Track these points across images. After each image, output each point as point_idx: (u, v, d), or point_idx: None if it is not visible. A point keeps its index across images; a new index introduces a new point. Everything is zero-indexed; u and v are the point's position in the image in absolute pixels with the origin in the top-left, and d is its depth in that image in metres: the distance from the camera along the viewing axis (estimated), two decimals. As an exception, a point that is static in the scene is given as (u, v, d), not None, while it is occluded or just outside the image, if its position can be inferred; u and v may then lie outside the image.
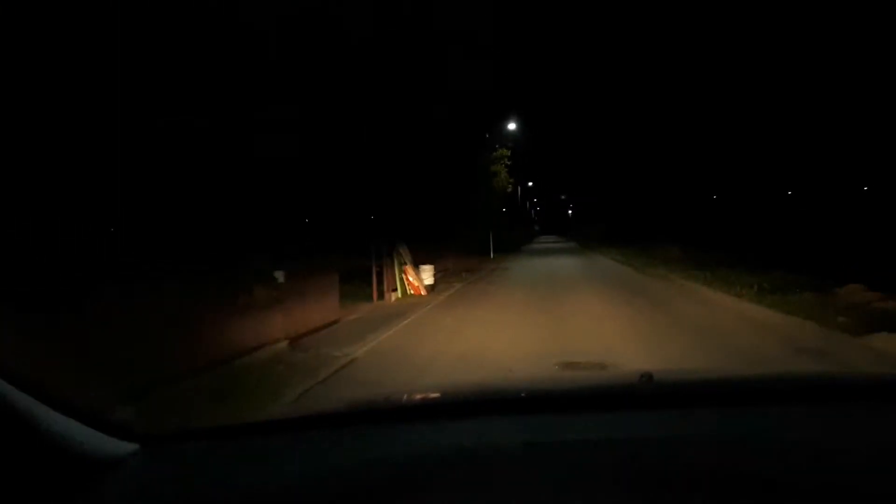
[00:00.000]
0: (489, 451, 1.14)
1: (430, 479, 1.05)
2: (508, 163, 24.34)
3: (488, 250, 28.81)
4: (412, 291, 13.04)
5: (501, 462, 1.10)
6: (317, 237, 19.84)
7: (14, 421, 0.99)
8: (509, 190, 25.67)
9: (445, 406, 1.55)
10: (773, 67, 36.91)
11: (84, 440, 1.11)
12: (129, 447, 1.21)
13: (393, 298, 12.51)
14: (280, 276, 8.14)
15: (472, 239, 26.62)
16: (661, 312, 9.83)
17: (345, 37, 16.27)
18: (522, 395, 1.64)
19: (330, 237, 19.43)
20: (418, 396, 1.83)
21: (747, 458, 1.07)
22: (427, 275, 13.46)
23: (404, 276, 13.02)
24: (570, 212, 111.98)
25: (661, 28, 49.47)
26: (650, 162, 49.53)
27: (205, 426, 1.52)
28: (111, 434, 1.19)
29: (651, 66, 45.19)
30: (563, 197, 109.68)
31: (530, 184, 63.25)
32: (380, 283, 12.36)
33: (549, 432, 1.21)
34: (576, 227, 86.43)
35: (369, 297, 12.10)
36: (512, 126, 26.80)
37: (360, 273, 12.73)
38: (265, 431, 1.42)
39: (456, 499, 0.97)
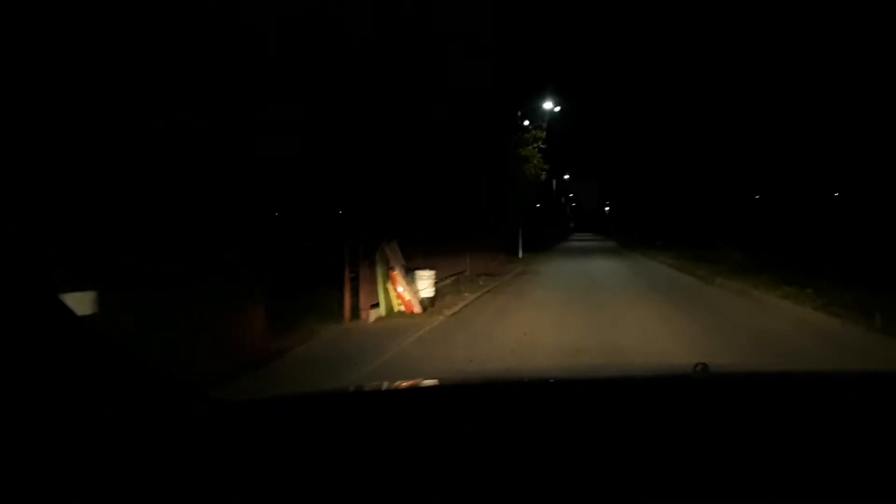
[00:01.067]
0: (543, 435, 1.17)
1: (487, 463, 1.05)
2: (543, 146, 20.54)
3: (516, 249, 25.10)
4: (402, 307, 9.46)
5: (552, 446, 1.12)
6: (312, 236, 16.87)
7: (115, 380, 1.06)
8: (543, 178, 21.85)
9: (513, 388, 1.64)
10: (817, 64, 32.38)
11: (168, 403, 1.16)
12: (206, 412, 1.25)
13: (372, 317, 8.99)
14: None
15: (497, 236, 22.97)
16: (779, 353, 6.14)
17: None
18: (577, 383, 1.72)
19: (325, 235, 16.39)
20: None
21: (800, 457, 1.06)
22: (425, 283, 9.84)
23: (390, 286, 9.44)
24: (606, 209, 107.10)
25: (709, 20, 44.58)
26: (694, 160, 45.11)
27: (276, 394, 1.55)
28: (191, 398, 1.25)
29: (691, 62, 40.77)
30: (606, 204, 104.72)
31: (566, 176, 58.96)
32: (354, 295, 8.84)
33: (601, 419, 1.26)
34: (613, 226, 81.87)
35: (340, 315, 8.62)
36: (548, 105, 22.95)
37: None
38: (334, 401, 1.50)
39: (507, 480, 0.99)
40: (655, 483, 0.99)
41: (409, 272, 9.68)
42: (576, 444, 1.14)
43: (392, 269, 9.43)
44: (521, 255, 24.70)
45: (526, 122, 21.15)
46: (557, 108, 21.17)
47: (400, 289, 9.45)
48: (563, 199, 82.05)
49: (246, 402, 1.40)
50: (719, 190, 45.52)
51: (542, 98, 21.05)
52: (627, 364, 3.50)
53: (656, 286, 13.78)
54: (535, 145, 20.46)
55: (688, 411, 1.28)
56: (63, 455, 0.90)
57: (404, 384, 1.75)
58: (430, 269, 10.00)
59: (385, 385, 1.81)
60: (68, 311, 1.05)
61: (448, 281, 13.53)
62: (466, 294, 11.78)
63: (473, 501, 0.98)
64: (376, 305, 9.28)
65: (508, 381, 1.83)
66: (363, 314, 8.90)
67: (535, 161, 20.85)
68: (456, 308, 10.14)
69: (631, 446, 1.11)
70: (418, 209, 15.08)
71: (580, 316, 9.23)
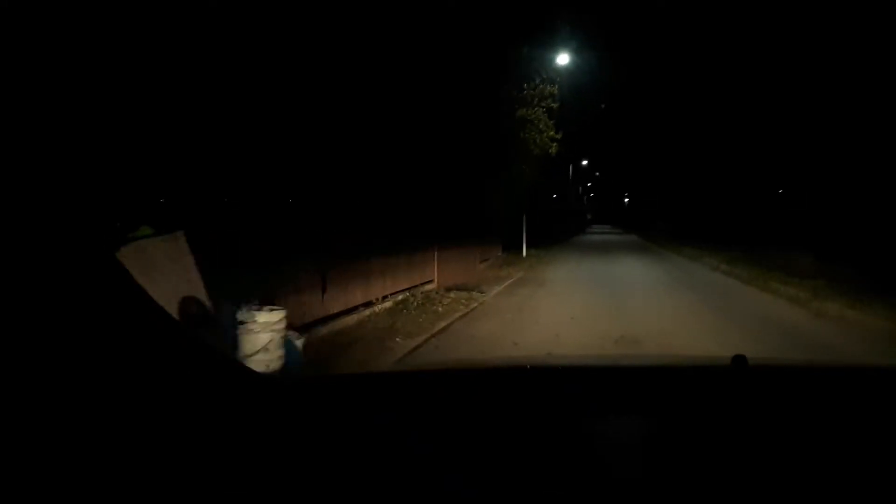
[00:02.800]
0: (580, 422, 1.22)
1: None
2: (554, 105, 15.01)
3: (520, 243, 19.67)
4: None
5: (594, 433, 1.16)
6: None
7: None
8: (553, 152, 16.23)
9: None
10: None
11: (234, 379, 1.22)
12: (273, 389, 1.35)
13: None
14: None
15: (491, 227, 17.63)
16: None
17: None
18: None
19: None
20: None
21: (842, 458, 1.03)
22: (262, 337, 4.47)
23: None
24: (626, 200, 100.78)
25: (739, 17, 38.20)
26: (733, 145, 39.23)
27: (339, 373, 2.03)
28: (255, 376, 1.33)
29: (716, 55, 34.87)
30: (625, 195, 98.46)
31: (584, 162, 53.15)
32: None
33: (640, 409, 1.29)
34: (633, 218, 75.93)
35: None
36: (563, 59, 17.35)
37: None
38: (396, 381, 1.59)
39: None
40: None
41: (256, 303, 4.35)
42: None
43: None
44: (524, 252, 19.26)
45: (535, 78, 15.59)
46: (566, 61, 15.32)
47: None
48: (580, 189, 76.25)
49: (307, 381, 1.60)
50: (764, 179, 39.65)
51: (555, 45, 15.35)
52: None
53: (745, 321, 8.21)
54: (543, 105, 14.92)
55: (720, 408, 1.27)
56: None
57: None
58: (360, 284, 4.70)
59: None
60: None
61: (388, 303, 8.22)
62: (399, 339, 6.40)
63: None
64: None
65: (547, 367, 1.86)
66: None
67: (543, 126, 15.31)
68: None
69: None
70: (375, 194, 9.83)
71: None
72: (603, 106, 18.97)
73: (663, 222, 47.56)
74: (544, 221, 34.80)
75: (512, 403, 1.32)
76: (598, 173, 60.07)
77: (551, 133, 15.31)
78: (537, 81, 14.90)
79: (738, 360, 1.40)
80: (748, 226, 36.94)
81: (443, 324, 7.31)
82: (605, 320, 7.95)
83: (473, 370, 1.76)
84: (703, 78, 39.39)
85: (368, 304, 7.65)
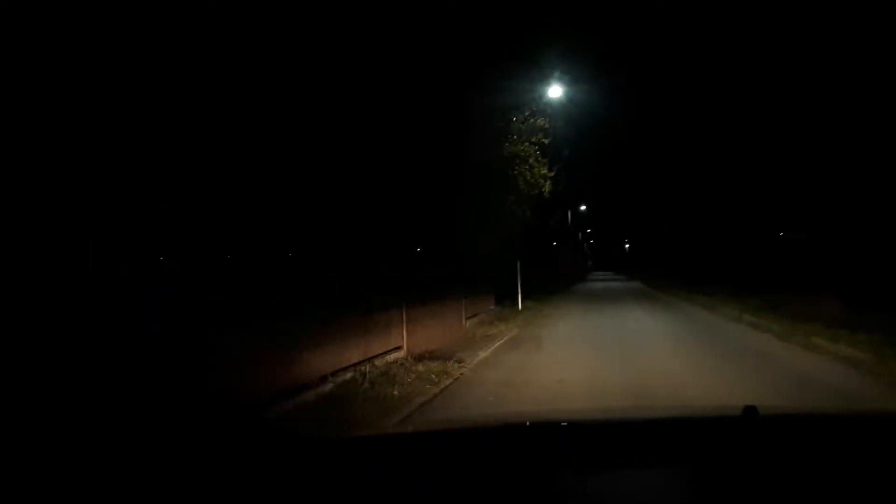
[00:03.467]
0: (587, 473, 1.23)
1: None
2: (545, 140, 13.32)
3: (515, 294, 17.65)
4: None
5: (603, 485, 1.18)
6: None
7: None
8: (546, 190, 14.38)
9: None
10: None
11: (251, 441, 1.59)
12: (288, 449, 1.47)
13: None
14: None
15: (486, 275, 15.69)
16: None
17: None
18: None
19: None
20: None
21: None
22: None
23: None
24: (626, 247, 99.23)
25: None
26: (733, 186, 37.83)
27: (356, 434, 1.83)
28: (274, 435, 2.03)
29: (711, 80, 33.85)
30: (625, 241, 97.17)
31: (583, 207, 51.70)
32: None
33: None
34: (633, 265, 74.08)
35: None
36: (556, 92, 15.73)
37: None
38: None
39: None
40: None
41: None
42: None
43: None
44: (520, 304, 17.21)
45: (525, 112, 13.94)
46: (559, 94, 13.62)
47: None
48: (580, 235, 74.73)
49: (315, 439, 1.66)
50: (767, 220, 38.00)
51: (546, 76, 13.75)
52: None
53: (813, 400, 6.07)
54: (533, 139, 13.23)
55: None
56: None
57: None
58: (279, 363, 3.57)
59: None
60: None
61: (328, 386, 6.14)
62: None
63: None
64: None
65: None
66: None
67: (533, 161, 13.57)
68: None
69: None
70: (322, 246, 8.00)
71: None
72: (566, 153, 17.08)
73: (661, 268, 45.79)
74: (543, 269, 32.87)
75: (518, 463, 1.33)
76: (591, 208, 58.47)
77: (543, 171, 13.55)
78: (526, 114, 13.25)
79: (749, 410, 1.41)
80: (755, 269, 35.07)
81: (394, 419, 5.22)
82: (619, 399, 5.89)
83: (476, 429, 1.73)
84: (702, 112, 38.23)
85: (295, 391, 5.58)
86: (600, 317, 16.00)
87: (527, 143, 12.95)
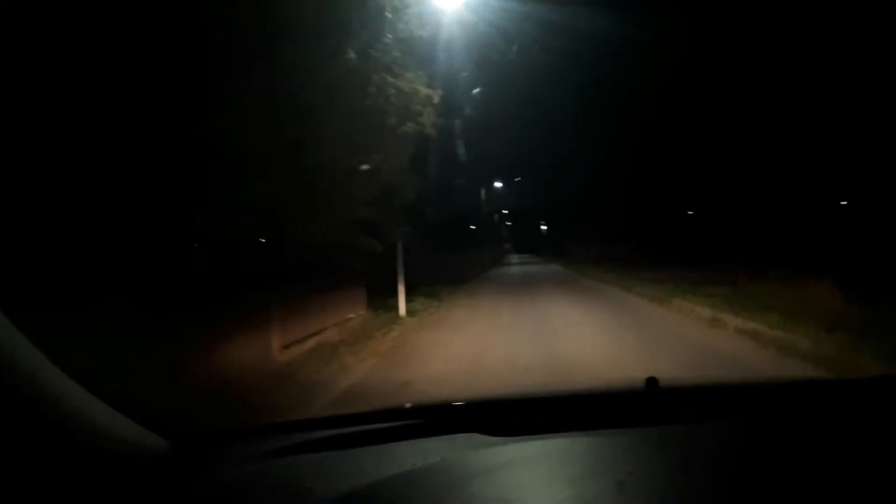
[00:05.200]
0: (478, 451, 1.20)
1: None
2: (421, 34, 7.72)
3: (394, 286, 12.25)
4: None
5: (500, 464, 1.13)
6: None
7: (52, 410, 1.03)
8: (426, 123, 8.79)
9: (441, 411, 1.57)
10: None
11: (121, 433, 1.16)
12: (163, 442, 1.26)
13: None
14: None
15: (342, 264, 10.23)
16: None
17: None
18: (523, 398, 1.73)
19: None
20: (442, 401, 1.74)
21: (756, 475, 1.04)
22: None
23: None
24: (543, 228, 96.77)
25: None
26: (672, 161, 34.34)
27: (235, 425, 1.53)
28: (149, 428, 1.24)
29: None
30: (542, 224, 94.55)
31: (498, 184, 47.12)
32: None
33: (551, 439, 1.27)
34: (551, 246, 71.07)
35: None
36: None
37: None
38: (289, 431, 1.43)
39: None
40: None
41: None
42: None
43: None
44: (402, 307, 11.75)
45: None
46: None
47: None
48: (495, 216, 70.64)
49: (199, 433, 1.37)
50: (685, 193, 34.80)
51: None
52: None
53: None
54: (399, 30, 7.63)
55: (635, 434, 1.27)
56: None
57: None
58: None
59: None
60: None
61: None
62: None
63: None
64: None
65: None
66: None
67: (408, 89, 8.04)
68: None
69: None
70: None
71: None
72: (476, 91, 11.85)
73: (585, 248, 42.23)
74: (450, 254, 27.72)
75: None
76: (518, 179, 54.33)
77: (422, 89, 8.03)
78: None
79: (651, 381, 1.49)
80: (676, 242, 31.65)
81: None
82: None
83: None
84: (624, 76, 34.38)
85: None
86: (518, 318, 10.88)
87: (388, 39, 7.37)
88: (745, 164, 30.15)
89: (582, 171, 45.02)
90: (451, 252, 29.54)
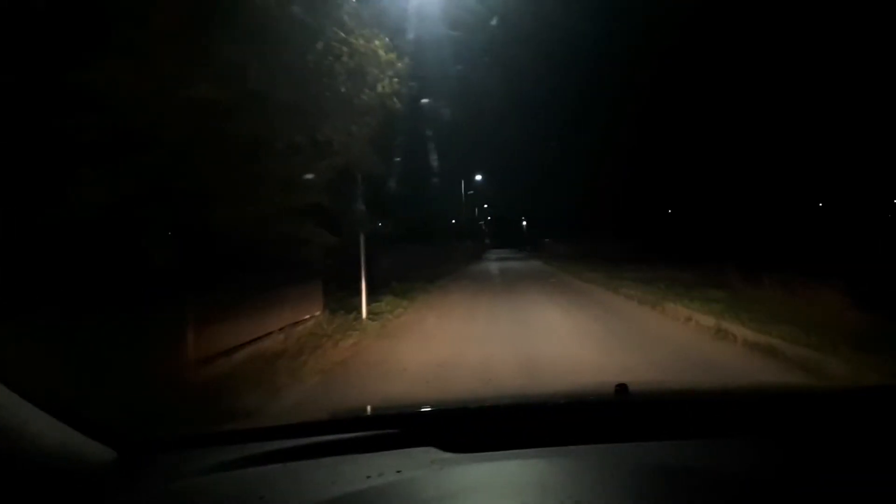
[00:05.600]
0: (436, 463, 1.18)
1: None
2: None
3: (372, 283, 10.89)
4: None
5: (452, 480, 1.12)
6: None
7: None
8: (386, 89, 7.47)
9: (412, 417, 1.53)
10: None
11: (65, 442, 1.14)
12: (109, 452, 1.25)
13: None
14: None
15: (302, 257, 8.84)
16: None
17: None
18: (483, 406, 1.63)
19: None
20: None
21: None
22: None
23: None
24: (523, 223, 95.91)
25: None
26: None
27: (183, 433, 1.50)
28: (94, 437, 1.22)
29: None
30: (523, 219, 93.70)
31: (478, 177, 45.85)
32: None
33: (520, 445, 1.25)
34: (531, 241, 70.22)
35: None
36: None
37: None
38: (241, 440, 1.39)
39: None
40: None
41: None
42: None
43: None
44: (363, 310, 10.33)
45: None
46: None
47: None
48: (475, 210, 69.46)
49: (146, 442, 1.35)
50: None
51: None
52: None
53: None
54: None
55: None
56: None
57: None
58: None
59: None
60: None
61: None
62: None
63: None
64: None
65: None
66: None
67: (365, 50, 6.63)
68: None
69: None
70: None
71: None
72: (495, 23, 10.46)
73: (565, 244, 41.21)
74: (425, 247, 26.42)
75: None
76: (490, 182, 53.26)
77: (383, 53, 6.60)
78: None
79: (621, 388, 1.49)
80: (659, 240, 30.61)
81: None
82: None
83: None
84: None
85: None
86: (494, 326, 9.56)
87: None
88: (732, 164, 29.33)
89: (565, 168, 43.99)
90: (429, 246, 28.22)
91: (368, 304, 10.90)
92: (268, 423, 2.09)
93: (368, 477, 1.12)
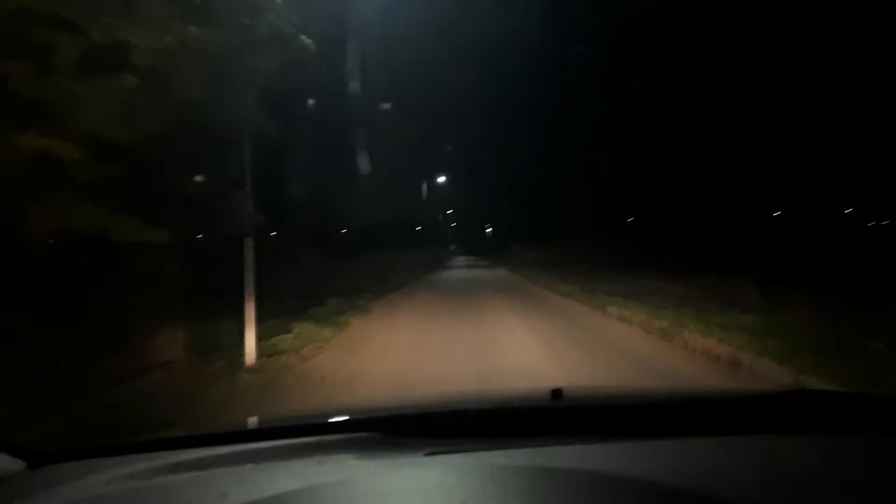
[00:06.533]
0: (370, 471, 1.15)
1: None
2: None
3: (278, 304, 7.45)
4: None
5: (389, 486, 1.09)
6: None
7: None
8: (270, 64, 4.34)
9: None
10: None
11: None
12: (17, 464, 1.22)
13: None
14: None
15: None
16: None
17: None
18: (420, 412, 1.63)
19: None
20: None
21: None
22: None
23: None
24: (488, 230, 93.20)
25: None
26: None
27: (95, 444, 1.45)
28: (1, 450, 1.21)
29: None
30: (487, 227, 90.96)
31: (442, 178, 42.71)
32: None
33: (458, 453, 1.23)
34: (495, 248, 67.35)
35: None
36: None
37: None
38: (160, 448, 1.36)
39: None
40: None
41: None
42: None
43: None
44: (249, 352, 6.87)
45: None
46: None
47: None
48: (440, 216, 66.23)
49: (56, 453, 1.33)
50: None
51: None
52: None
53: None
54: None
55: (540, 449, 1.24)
56: None
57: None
58: None
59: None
60: None
61: None
62: None
63: None
64: None
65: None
66: None
67: None
68: None
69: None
70: None
71: None
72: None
73: (530, 251, 38.48)
74: (378, 254, 23.15)
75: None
76: (455, 186, 50.26)
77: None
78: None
79: (556, 392, 1.45)
80: (629, 247, 28.05)
81: None
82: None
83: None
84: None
85: None
86: (451, 360, 6.25)
87: None
88: (711, 167, 27.18)
89: (532, 173, 41.35)
90: (390, 252, 25.17)
91: (266, 338, 7.43)
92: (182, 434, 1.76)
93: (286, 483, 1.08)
